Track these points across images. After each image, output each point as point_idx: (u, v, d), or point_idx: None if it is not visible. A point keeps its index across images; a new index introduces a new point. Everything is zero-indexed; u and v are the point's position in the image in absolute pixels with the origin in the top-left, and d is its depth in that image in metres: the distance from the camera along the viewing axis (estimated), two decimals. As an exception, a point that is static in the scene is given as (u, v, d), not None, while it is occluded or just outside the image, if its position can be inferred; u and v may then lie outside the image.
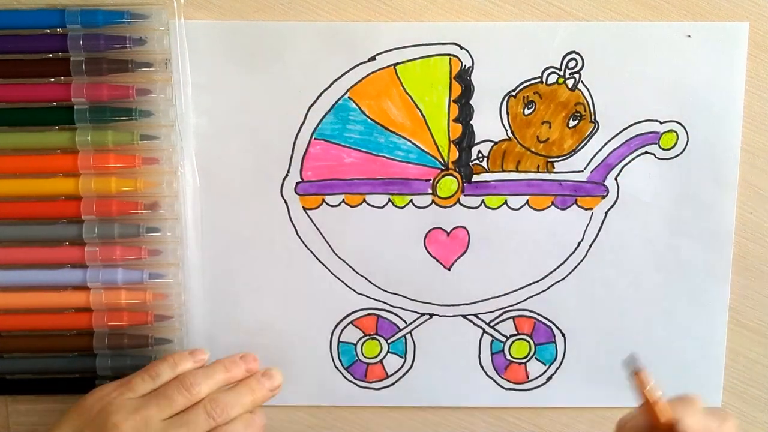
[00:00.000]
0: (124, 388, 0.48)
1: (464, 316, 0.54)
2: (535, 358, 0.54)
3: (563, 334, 0.54)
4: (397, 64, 0.51)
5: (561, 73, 0.51)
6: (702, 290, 0.53)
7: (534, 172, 0.52)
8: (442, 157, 0.52)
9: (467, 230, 0.53)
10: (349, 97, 0.51)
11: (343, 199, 0.52)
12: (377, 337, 0.54)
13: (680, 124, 0.51)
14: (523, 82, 0.51)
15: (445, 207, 0.52)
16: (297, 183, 0.52)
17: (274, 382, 0.51)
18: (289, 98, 0.51)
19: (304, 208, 0.52)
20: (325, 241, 0.53)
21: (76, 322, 0.52)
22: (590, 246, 0.53)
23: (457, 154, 0.52)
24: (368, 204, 0.52)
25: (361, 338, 0.54)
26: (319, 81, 0.51)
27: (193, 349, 0.51)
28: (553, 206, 0.52)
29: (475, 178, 0.52)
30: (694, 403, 0.43)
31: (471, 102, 0.51)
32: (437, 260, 0.53)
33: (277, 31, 0.50)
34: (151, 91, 0.50)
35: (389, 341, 0.54)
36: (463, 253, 0.53)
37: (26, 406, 0.54)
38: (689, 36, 0.50)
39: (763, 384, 0.55)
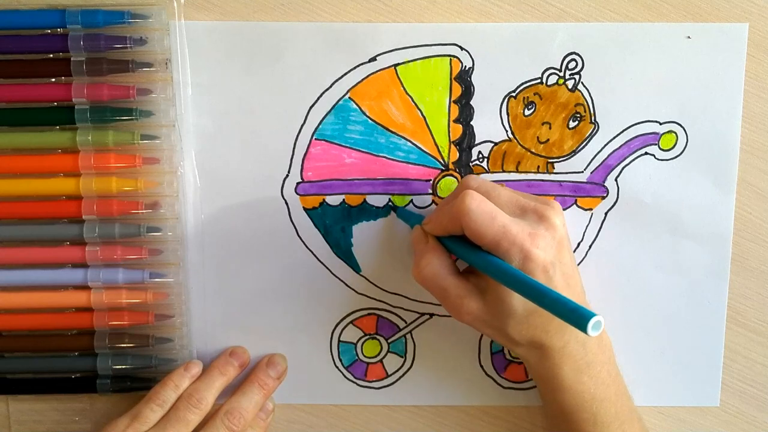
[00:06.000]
0: (135, 422, 0.49)
1: (464, 316, 0.54)
2: (535, 357, 0.54)
3: (563, 334, 0.54)
4: (398, 64, 0.51)
5: (561, 74, 0.51)
6: (701, 290, 0.53)
7: (534, 172, 0.52)
8: (443, 158, 0.52)
9: (467, 230, 0.53)
10: (349, 98, 0.51)
11: (344, 200, 0.52)
12: (377, 337, 0.54)
13: (680, 125, 0.51)
14: (523, 83, 0.51)
15: (445, 207, 0.52)
16: (297, 183, 0.52)
17: (279, 369, 0.53)
18: (289, 98, 0.51)
19: (305, 208, 0.52)
20: (325, 241, 0.53)
21: (77, 322, 0.52)
22: (590, 246, 0.53)
23: (458, 154, 0.52)
24: (369, 204, 0.52)
25: (361, 338, 0.54)
26: (319, 81, 0.51)
27: (187, 364, 0.52)
28: (552, 207, 0.52)
29: (475, 178, 0.52)
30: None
31: (471, 103, 0.51)
32: (437, 260, 0.53)
33: (277, 31, 0.50)
34: (151, 91, 0.50)
35: (389, 341, 0.54)
36: (463, 253, 0.53)
37: (27, 406, 0.55)
38: (689, 37, 0.50)
39: (761, 383, 0.55)
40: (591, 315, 0.36)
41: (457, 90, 0.51)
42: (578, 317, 0.37)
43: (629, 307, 0.53)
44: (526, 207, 0.45)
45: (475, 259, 0.45)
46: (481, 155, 0.52)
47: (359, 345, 0.54)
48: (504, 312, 0.45)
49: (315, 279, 0.53)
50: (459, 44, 0.50)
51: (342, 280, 0.53)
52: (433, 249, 0.47)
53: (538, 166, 0.52)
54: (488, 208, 0.44)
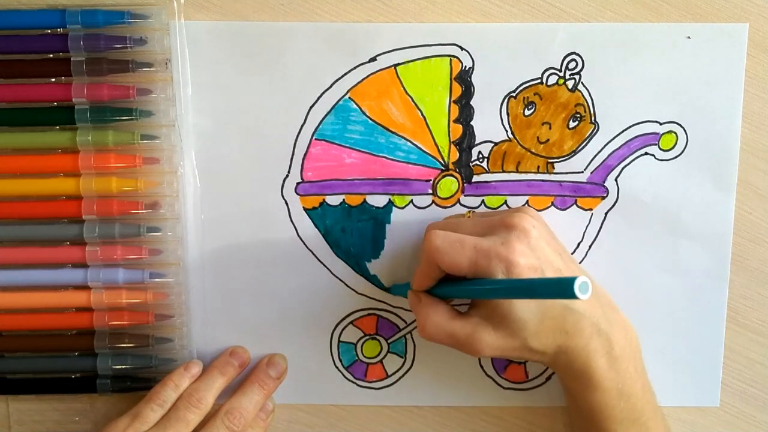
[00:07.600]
0: (136, 422, 0.49)
1: (464, 316, 0.54)
2: (535, 357, 0.54)
3: (563, 334, 0.54)
4: (398, 64, 0.51)
5: (561, 74, 0.51)
6: (701, 290, 0.53)
7: (534, 172, 0.52)
8: (443, 158, 0.52)
9: (467, 230, 0.53)
10: (349, 98, 0.51)
11: (344, 200, 0.52)
12: (377, 337, 0.54)
13: (680, 125, 0.51)
14: (523, 83, 0.51)
15: (445, 207, 0.52)
16: (297, 183, 0.52)
17: (279, 369, 0.53)
18: (289, 98, 0.51)
19: (305, 209, 0.52)
20: (325, 241, 0.53)
21: (77, 322, 0.52)
22: (590, 246, 0.53)
23: (458, 154, 0.52)
24: (369, 204, 0.52)
25: (361, 338, 0.54)
26: (319, 81, 0.51)
27: (187, 364, 0.52)
28: (552, 207, 0.52)
29: (475, 178, 0.52)
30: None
31: (471, 103, 0.51)
32: (437, 260, 0.53)
33: (277, 31, 0.50)
34: (151, 91, 0.50)
35: (389, 341, 0.54)
36: (463, 253, 0.53)
37: (27, 406, 0.55)
38: (689, 37, 0.51)
39: (761, 383, 0.55)
40: (573, 279, 0.35)
41: (457, 90, 0.51)
42: (563, 287, 0.36)
43: (629, 307, 0.53)
44: (492, 224, 0.46)
45: (467, 289, 0.45)
46: (481, 155, 0.52)
47: (359, 345, 0.54)
48: (516, 328, 0.45)
49: (315, 279, 0.53)
50: (459, 44, 0.50)
51: (342, 280, 0.53)
52: (427, 304, 0.48)
53: (538, 166, 0.52)
54: (455, 237, 0.45)
